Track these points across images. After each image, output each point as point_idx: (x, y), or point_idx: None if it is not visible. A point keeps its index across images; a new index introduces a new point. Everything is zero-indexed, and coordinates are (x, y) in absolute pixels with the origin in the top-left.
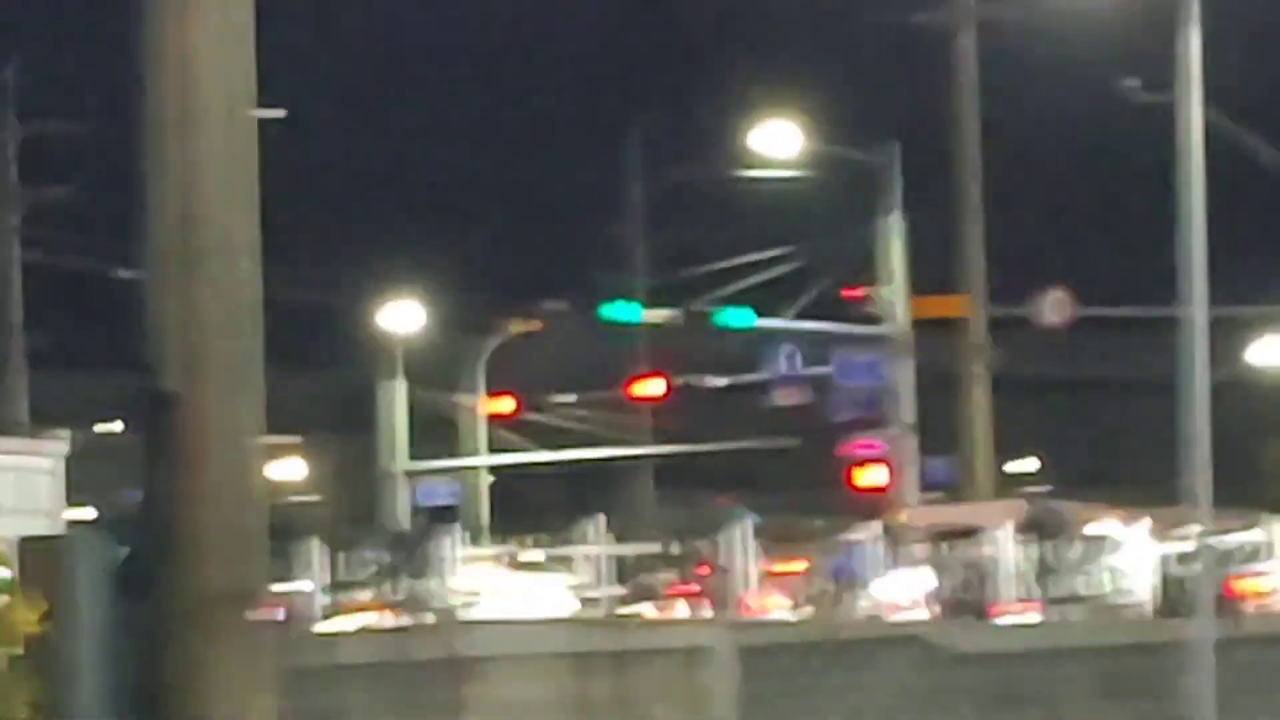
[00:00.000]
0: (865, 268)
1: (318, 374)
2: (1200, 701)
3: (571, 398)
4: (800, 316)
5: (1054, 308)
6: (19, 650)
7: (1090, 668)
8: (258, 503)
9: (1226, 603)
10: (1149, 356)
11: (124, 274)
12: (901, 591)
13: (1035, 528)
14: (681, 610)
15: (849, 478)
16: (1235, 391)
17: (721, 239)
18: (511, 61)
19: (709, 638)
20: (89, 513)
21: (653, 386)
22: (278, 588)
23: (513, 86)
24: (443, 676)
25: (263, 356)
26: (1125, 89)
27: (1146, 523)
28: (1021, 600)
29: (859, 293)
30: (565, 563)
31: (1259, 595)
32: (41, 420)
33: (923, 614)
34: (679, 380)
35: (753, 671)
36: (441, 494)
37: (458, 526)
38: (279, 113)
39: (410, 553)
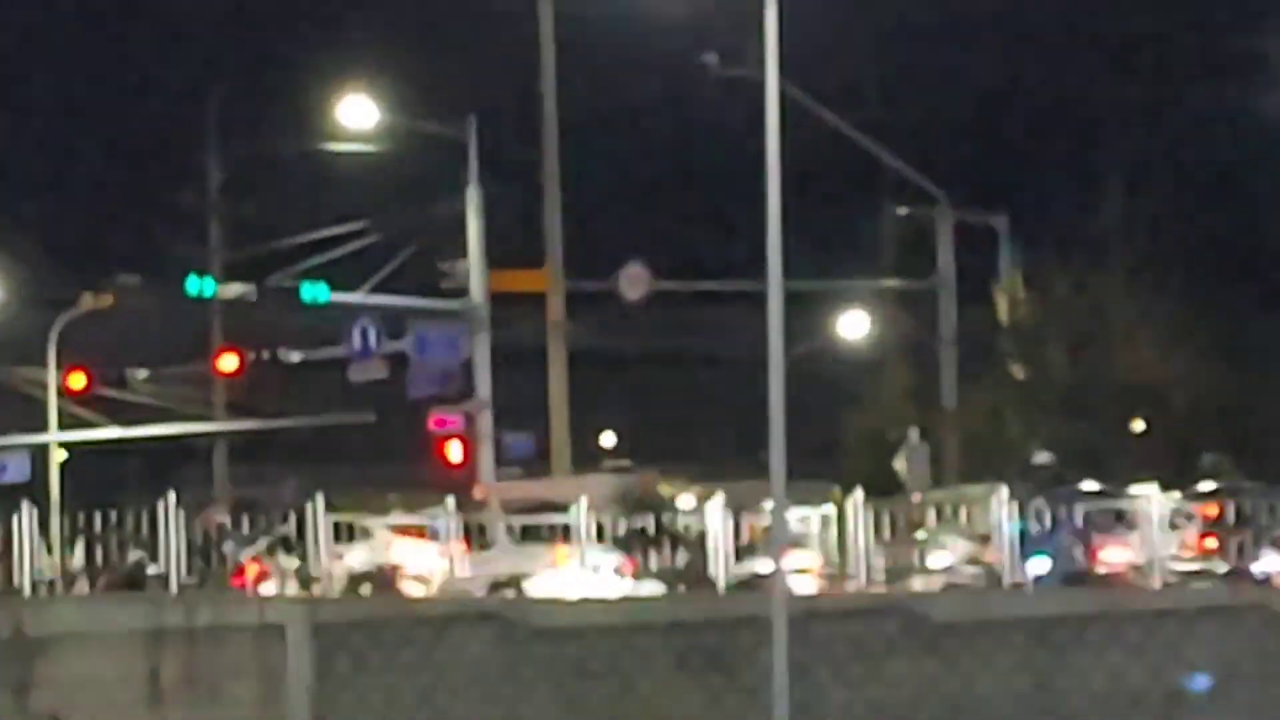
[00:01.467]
0: (446, 242)
1: None
2: (775, 674)
3: (146, 373)
4: (380, 291)
5: (632, 282)
6: None
7: (666, 642)
8: None
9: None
10: (731, 330)
11: None
12: None
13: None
14: None
15: (431, 452)
16: (818, 365)
17: (302, 213)
18: (86, 27)
19: (281, 614)
20: None
21: (229, 362)
22: None
23: (86, 53)
24: (9, 654)
25: None
26: (705, 64)
27: (723, 497)
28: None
29: (454, 264)
30: None
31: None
32: None
33: None
34: (257, 355)
35: (327, 648)
36: (9, 471)
37: (25, 504)
38: None
39: None
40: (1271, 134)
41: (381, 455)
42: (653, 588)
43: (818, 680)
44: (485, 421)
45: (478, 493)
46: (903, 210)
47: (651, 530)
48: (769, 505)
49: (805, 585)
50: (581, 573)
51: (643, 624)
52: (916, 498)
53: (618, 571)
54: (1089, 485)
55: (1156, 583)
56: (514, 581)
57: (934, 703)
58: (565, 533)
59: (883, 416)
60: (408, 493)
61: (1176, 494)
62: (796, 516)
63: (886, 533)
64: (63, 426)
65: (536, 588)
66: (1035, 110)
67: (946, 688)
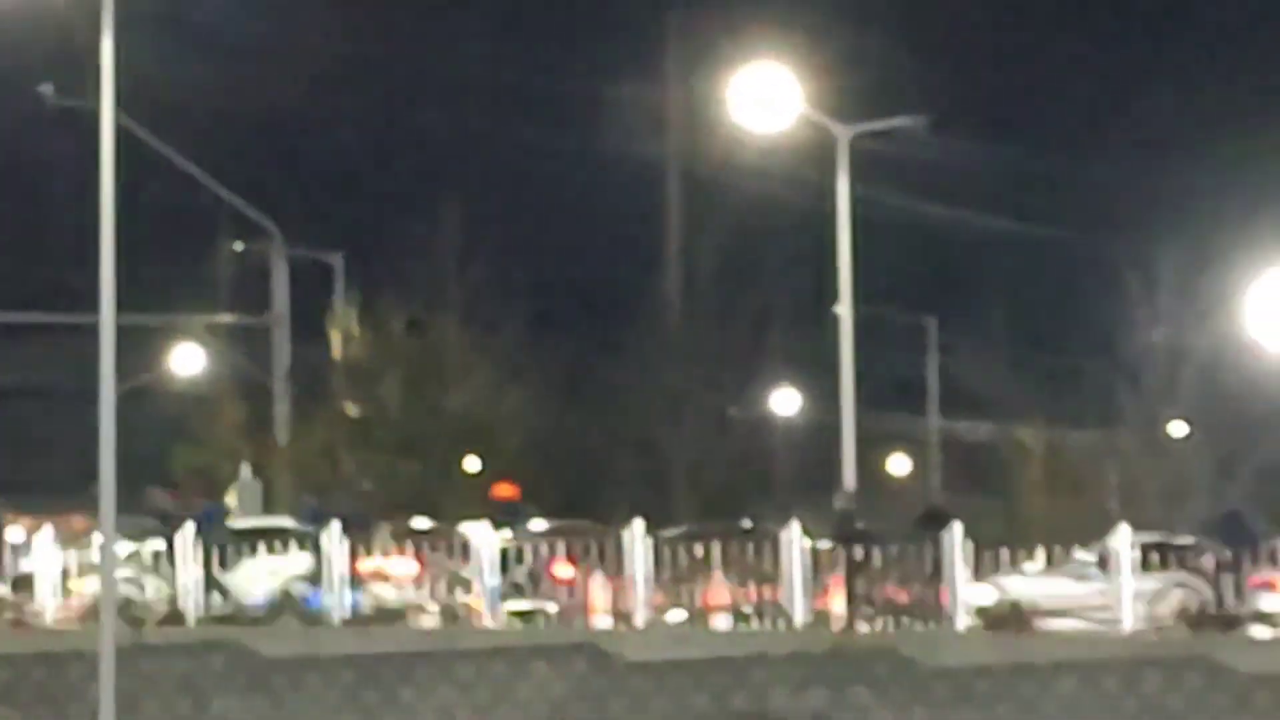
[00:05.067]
0: None
1: None
2: (102, 710)
3: None
4: None
5: None
6: None
7: None
8: None
9: None
10: (64, 363)
11: None
12: None
13: None
14: None
15: None
16: (151, 398)
17: None
18: None
19: None
20: None
21: None
22: None
23: None
24: None
25: None
26: (40, 94)
27: (51, 530)
28: None
29: None
30: None
31: None
32: None
33: None
34: None
35: None
36: None
37: None
38: None
39: None
40: (612, 178)
41: None
42: None
43: (146, 716)
44: None
45: None
46: (239, 246)
47: None
48: (98, 538)
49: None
50: None
51: None
52: None
53: None
54: (421, 523)
55: (489, 620)
56: None
57: None
58: None
59: (215, 452)
60: None
61: (508, 532)
62: (125, 551)
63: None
64: None
65: None
66: (375, 149)
67: None
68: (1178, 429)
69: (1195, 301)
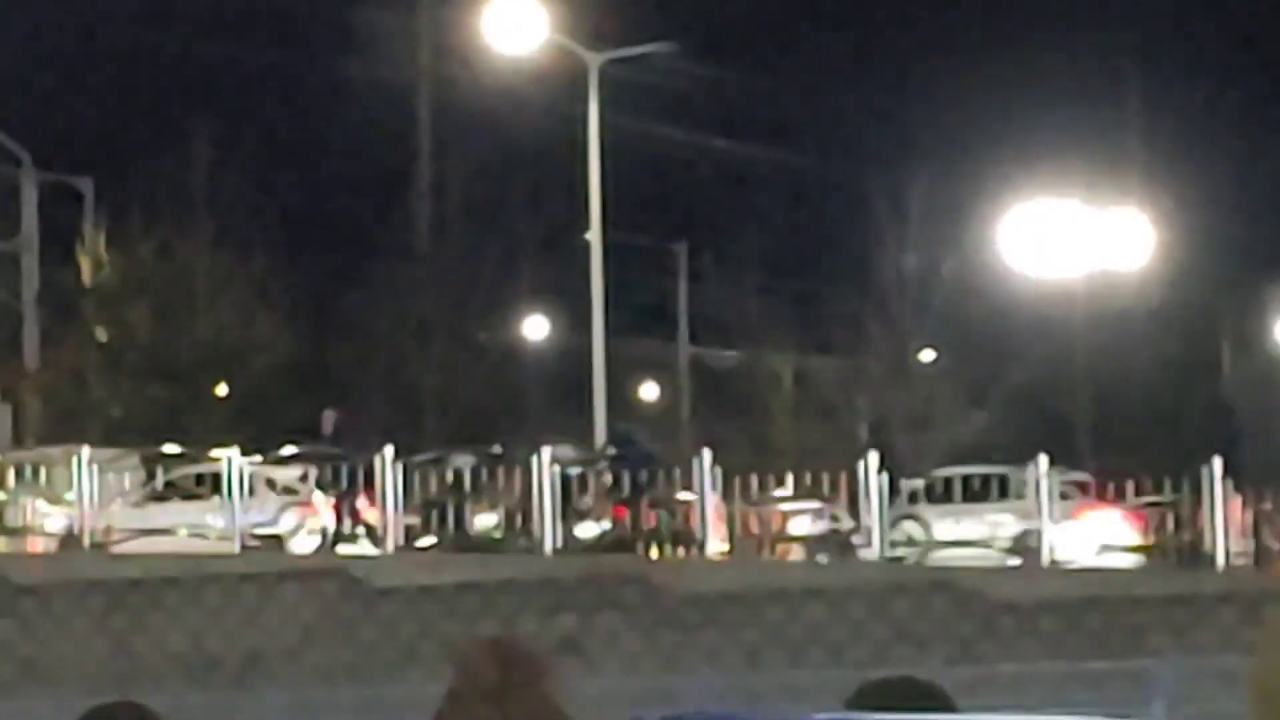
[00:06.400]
0: None
1: None
2: None
3: None
4: None
5: None
6: None
7: None
8: None
9: None
10: None
11: None
12: None
13: None
14: None
15: None
16: None
17: None
18: None
19: None
20: None
21: None
22: None
23: None
24: None
25: None
26: None
27: None
28: None
29: None
30: None
31: None
32: None
33: None
34: None
35: None
36: None
37: None
38: None
39: None
40: (360, 107)
41: None
42: None
43: None
44: None
45: None
46: None
47: None
48: None
49: None
50: None
51: None
52: None
53: None
54: (171, 448)
55: (236, 545)
56: None
57: (9, 666)
58: None
59: None
60: None
61: (258, 456)
62: None
63: None
64: None
65: None
66: (125, 73)
67: (23, 650)
68: (926, 356)
69: (945, 230)
